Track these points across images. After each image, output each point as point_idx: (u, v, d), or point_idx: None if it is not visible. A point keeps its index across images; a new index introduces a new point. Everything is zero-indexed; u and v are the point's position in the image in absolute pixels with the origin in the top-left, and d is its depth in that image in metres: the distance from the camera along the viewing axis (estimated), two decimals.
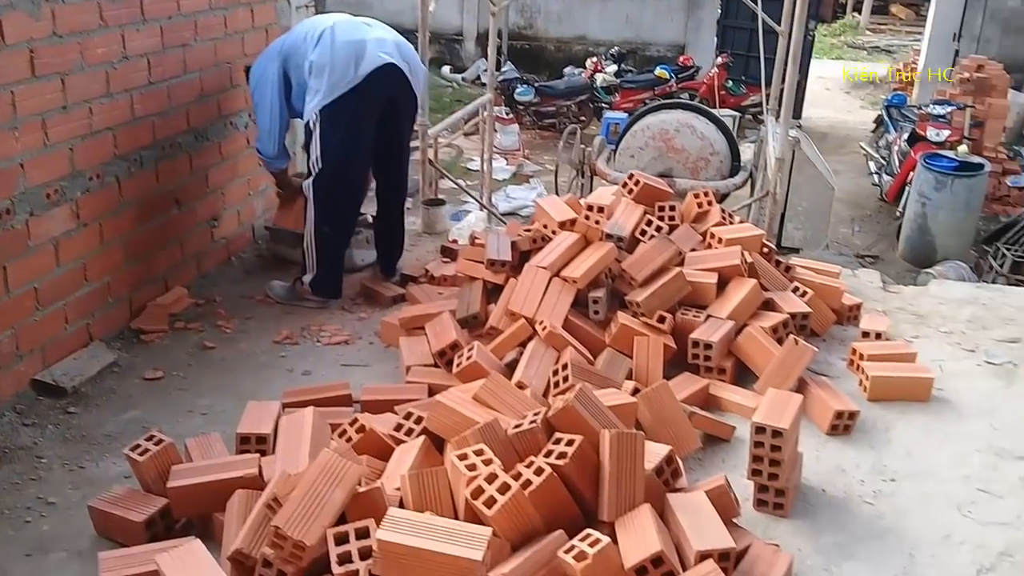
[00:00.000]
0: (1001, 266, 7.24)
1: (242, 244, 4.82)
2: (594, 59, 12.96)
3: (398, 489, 2.54)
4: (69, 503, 2.84)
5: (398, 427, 2.92)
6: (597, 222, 3.75)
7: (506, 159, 10.77)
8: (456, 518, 2.40)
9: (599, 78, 12.39)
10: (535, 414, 2.68)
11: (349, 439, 2.83)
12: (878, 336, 3.76)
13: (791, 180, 7.19)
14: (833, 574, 2.57)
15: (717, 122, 6.95)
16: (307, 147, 4.06)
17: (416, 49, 4.42)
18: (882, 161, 9.76)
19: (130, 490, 2.77)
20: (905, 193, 8.45)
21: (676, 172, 6.76)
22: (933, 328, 4.02)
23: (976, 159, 8.17)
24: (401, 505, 2.45)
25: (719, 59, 12.18)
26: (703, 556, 2.33)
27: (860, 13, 22.20)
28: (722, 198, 6.32)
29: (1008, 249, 7.40)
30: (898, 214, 8.56)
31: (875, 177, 9.88)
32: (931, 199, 7.79)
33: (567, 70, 12.99)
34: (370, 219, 4.53)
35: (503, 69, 12.23)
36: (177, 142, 4.16)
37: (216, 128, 4.45)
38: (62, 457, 3.06)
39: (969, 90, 9.71)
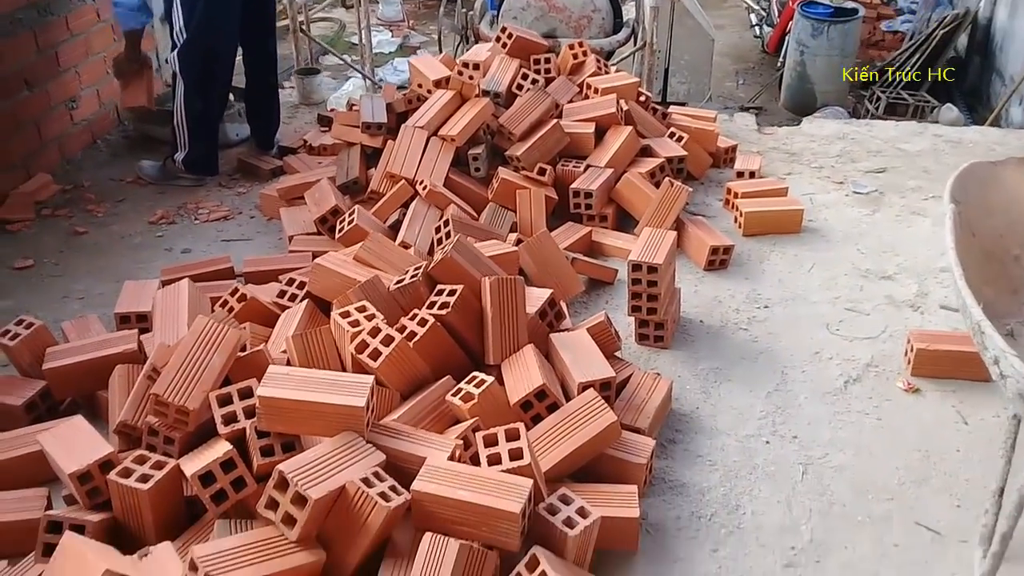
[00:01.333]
0: (876, 109, 7.47)
1: (106, 126, 4.57)
2: None
3: (284, 352, 2.54)
4: None
5: (281, 294, 2.89)
6: (471, 78, 3.68)
7: (390, 31, 10.40)
8: None
9: None
10: (416, 268, 2.69)
11: (231, 309, 2.78)
12: (752, 175, 3.87)
13: (672, 33, 7.18)
14: (711, 395, 2.72)
15: None
16: (168, 16, 3.81)
17: None
18: (763, 13, 9.80)
19: (7, 377, 2.69)
20: (785, 43, 8.55)
21: (560, 32, 6.65)
22: (805, 164, 4.16)
23: (851, 5, 8.27)
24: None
25: None
26: (584, 387, 2.42)
27: None
28: (608, 56, 6.28)
29: (882, 91, 7.63)
30: (779, 64, 8.68)
31: (756, 29, 9.94)
32: (808, 47, 7.90)
33: None
34: (241, 93, 4.34)
35: None
36: (17, 18, 3.85)
37: (60, 1, 4.13)
38: None
39: None
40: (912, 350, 2.72)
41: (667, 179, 3.47)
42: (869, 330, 2.98)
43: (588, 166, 3.62)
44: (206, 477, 2.07)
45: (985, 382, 2.60)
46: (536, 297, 2.74)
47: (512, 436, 2.14)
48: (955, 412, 2.58)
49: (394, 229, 3.33)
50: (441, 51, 7.75)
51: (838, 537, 2.20)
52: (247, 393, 2.25)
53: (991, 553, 2.00)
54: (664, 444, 2.52)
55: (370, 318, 2.50)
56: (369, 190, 3.60)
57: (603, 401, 2.35)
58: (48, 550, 1.99)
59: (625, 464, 2.33)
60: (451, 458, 2.09)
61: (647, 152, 3.79)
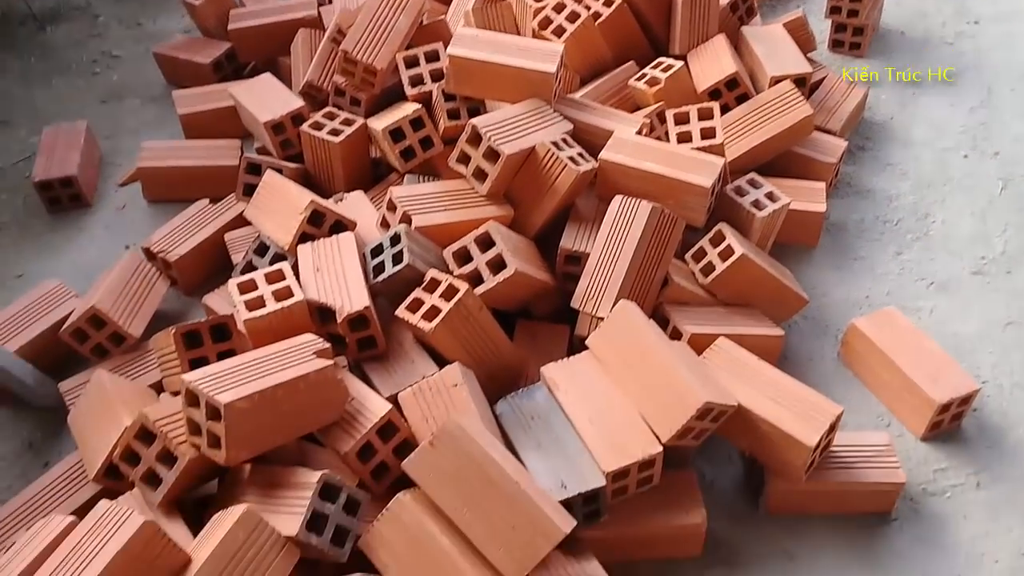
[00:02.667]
0: None
1: None
2: None
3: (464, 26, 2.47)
4: (134, 55, 2.83)
5: None
6: None
7: None
8: None
9: None
10: None
11: None
12: None
13: None
14: (908, 106, 2.54)
15: None
16: None
17: None
18: None
19: (192, 39, 2.74)
20: None
21: None
22: None
23: None
24: None
25: None
26: (777, 80, 2.29)
27: None
28: None
29: None
30: None
31: None
32: None
33: None
34: None
35: None
36: None
37: None
38: (118, 16, 3.01)
39: None
40: None
41: None
42: None
43: None
44: (395, 133, 2.10)
45: None
46: None
47: (705, 115, 2.06)
48: None
49: None
50: None
51: None
52: (434, 56, 2.22)
53: None
54: (853, 150, 2.40)
55: None
56: None
57: (799, 93, 2.23)
58: (248, 190, 2.10)
59: (814, 162, 2.24)
60: (639, 133, 2.04)
61: None
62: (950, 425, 1.78)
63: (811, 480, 1.62)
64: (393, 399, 1.63)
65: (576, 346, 1.77)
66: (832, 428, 1.59)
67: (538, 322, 1.89)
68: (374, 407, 1.58)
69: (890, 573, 1.58)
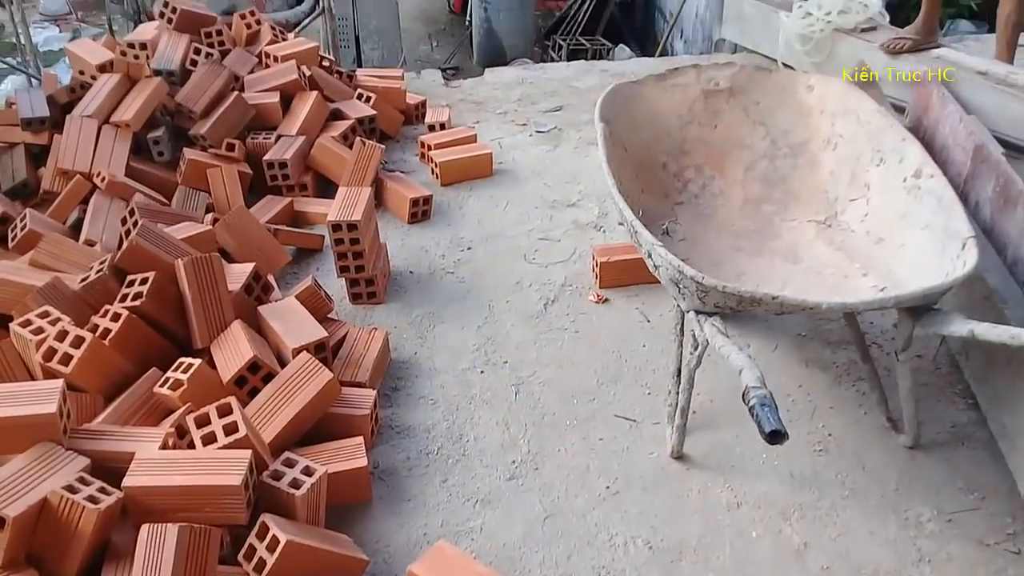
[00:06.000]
0: (560, 57, 7.95)
1: None
2: None
3: None
4: None
5: None
6: (137, 58, 3.49)
7: (57, 26, 9.55)
8: None
9: None
10: (101, 263, 2.54)
11: None
12: (442, 126, 3.99)
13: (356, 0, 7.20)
14: (427, 339, 2.82)
15: None
16: None
17: None
18: None
19: None
20: (469, 3, 8.83)
21: (241, 6, 6.44)
22: (490, 111, 4.36)
23: None
24: None
25: None
26: (298, 351, 2.42)
27: None
28: (295, 26, 6.17)
29: (563, 40, 8.13)
30: (467, 23, 8.96)
31: None
32: (491, 2, 8.23)
33: None
34: None
35: None
36: None
37: None
38: None
39: None
40: (597, 265, 2.98)
41: (359, 139, 3.50)
42: (561, 254, 3.22)
43: (279, 136, 3.57)
44: None
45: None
46: (239, 273, 2.69)
47: (224, 411, 2.10)
48: (639, 313, 2.87)
49: (76, 229, 3.11)
50: (112, 35, 7.24)
51: (551, 443, 2.40)
52: None
53: (676, 427, 2.27)
54: (388, 393, 2.59)
55: (55, 322, 2.33)
56: (41, 191, 3.33)
57: (318, 362, 2.37)
58: None
59: (349, 418, 2.38)
60: (163, 447, 2.03)
61: (337, 115, 3.80)
62: None
63: None
64: None
65: None
66: None
67: None
68: None
69: None
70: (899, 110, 3.29)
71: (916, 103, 2.91)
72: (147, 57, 3.54)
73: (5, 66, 6.27)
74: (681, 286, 2.02)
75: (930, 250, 2.09)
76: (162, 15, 3.77)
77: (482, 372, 2.67)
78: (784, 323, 2.76)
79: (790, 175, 2.57)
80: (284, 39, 3.99)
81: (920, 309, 1.98)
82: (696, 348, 2.04)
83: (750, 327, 2.74)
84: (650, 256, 2.09)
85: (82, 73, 3.57)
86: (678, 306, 2.30)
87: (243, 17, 3.99)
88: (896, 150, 2.30)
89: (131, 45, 3.55)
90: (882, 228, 2.29)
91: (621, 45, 8.01)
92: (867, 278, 2.23)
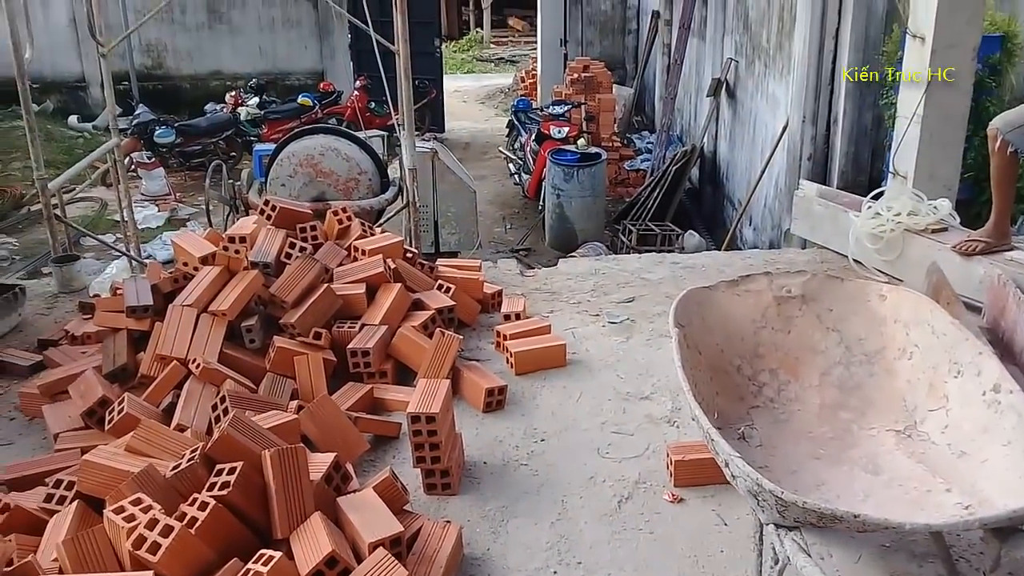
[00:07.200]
0: (630, 241, 8.20)
1: None
2: (233, 93, 12.67)
3: (55, 561, 2.40)
4: None
5: (48, 498, 2.74)
6: (238, 252, 3.75)
7: (157, 205, 10.28)
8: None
9: (242, 112, 12.14)
10: (192, 451, 2.65)
11: None
12: (517, 316, 4.14)
13: (437, 189, 7.63)
14: (499, 534, 2.82)
15: (359, 143, 7.16)
16: None
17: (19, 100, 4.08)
18: (519, 161, 10.60)
19: None
20: (542, 188, 9.27)
21: (329, 195, 6.87)
22: (564, 301, 4.50)
23: (595, 149, 9.16)
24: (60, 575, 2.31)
25: (358, 82, 12.46)
26: (374, 546, 2.46)
27: (483, 28, 23.76)
28: (378, 215, 6.54)
29: (633, 225, 8.42)
30: (540, 207, 9.37)
31: (516, 177, 10.71)
32: (564, 190, 8.61)
33: (208, 107, 12.58)
34: None
35: (136, 112, 11.56)
36: None
37: None
38: None
39: (580, 89, 10.84)
40: (671, 463, 2.98)
41: (439, 329, 3.65)
42: (635, 449, 3.23)
43: (363, 325, 3.74)
44: None
45: None
46: (320, 462, 2.76)
47: None
48: (716, 515, 2.84)
49: (169, 413, 3.26)
50: (210, 222, 7.76)
51: None
52: None
53: None
54: None
55: (146, 510, 2.42)
56: (139, 375, 3.51)
57: (393, 558, 2.40)
58: None
59: None
60: None
61: (418, 305, 3.97)
62: None
63: None
64: None
65: None
66: None
67: None
68: None
69: None
70: (973, 309, 3.31)
71: (992, 304, 2.94)
72: (246, 250, 3.80)
73: (106, 245, 6.73)
74: (760, 499, 2.02)
75: (1014, 468, 2.06)
76: (262, 212, 4.08)
77: (555, 573, 2.64)
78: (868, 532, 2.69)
79: (866, 382, 2.59)
80: (372, 234, 4.25)
81: (1007, 530, 1.94)
82: (777, 563, 2.01)
83: (832, 534, 2.68)
84: (727, 466, 2.11)
85: (185, 264, 3.84)
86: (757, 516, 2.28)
87: (335, 213, 4.28)
88: (973, 363, 2.32)
89: (232, 239, 3.82)
90: (964, 441, 2.27)
91: (690, 231, 8.23)
92: (951, 494, 2.19)
